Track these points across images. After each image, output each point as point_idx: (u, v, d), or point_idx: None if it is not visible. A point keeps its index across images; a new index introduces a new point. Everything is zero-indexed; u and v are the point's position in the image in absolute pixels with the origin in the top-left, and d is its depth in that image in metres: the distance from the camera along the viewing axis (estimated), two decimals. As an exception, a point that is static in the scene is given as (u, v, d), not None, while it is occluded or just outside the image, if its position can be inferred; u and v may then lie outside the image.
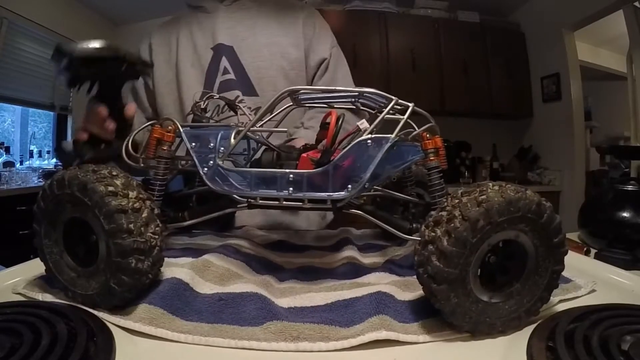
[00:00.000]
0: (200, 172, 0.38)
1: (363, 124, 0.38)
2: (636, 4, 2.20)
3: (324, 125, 0.40)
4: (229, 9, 0.77)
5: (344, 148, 0.37)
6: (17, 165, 2.35)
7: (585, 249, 0.70)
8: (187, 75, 0.74)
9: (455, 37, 2.72)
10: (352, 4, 2.64)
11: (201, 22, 0.77)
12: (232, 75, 0.74)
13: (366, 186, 0.37)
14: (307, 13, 0.79)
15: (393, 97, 0.40)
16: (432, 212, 0.33)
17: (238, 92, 0.73)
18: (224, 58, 0.74)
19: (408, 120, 0.40)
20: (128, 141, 0.42)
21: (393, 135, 0.37)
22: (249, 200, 0.39)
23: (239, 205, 0.41)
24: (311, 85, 0.76)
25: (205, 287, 0.38)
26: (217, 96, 0.55)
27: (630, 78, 2.39)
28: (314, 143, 0.45)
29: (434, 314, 0.32)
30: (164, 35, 0.79)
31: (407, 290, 0.37)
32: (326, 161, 0.37)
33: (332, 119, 0.39)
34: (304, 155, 0.39)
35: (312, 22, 0.79)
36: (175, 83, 0.75)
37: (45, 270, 0.36)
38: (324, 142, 0.40)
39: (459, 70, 2.67)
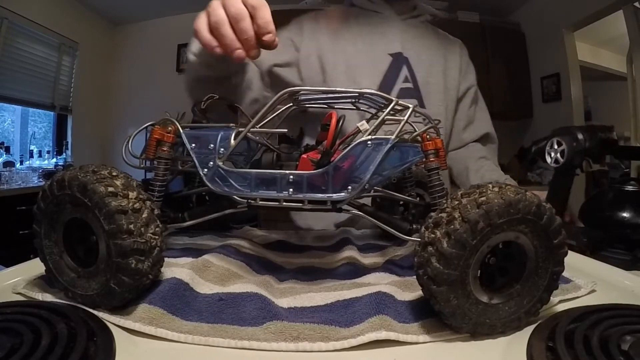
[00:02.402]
0: (200, 173, 0.38)
1: (363, 125, 0.38)
2: (636, 4, 2.20)
3: (324, 127, 0.40)
4: (404, 23, 0.81)
5: (344, 149, 0.37)
6: (17, 165, 2.35)
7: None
8: (359, 74, 0.75)
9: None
10: (352, 4, 2.64)
11: (375, 26, 0.79)
12: (411, 85, 0.77)
13: (366, 187, 0.37)
14: (460, 44, 0.89)
15: (393, 98, 0.40)
16: (432, 214, 0.33)
17: (416, 102, 0.76)
18: (404, 67, 0.77)
19: (408, 122, 0.40)
20: (128, 141, 0.42)
21: (393, 136, 0.37)
22: (249, 201, 0.40)
23: (238, 206, 0.41)
24: (458, 109, 0.84)
25: (205, 287, 0.38)
26: (217, 97, 0.55)
27: (630, 78, 2.39)
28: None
29: (433, 314, 0.32)
30: (324, 26, 0.79)
31: (407, 290, 0.38)
32: (326, 162, 0.37)
33: (332, 121, 0.39)
34: (304, 156, 0.39)
35: (465, 53, 0.89)
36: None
37: (45, 270, 0.36)
38: (324, 143, 0.40)
39: (459, 71, 2.67)
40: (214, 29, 0.44)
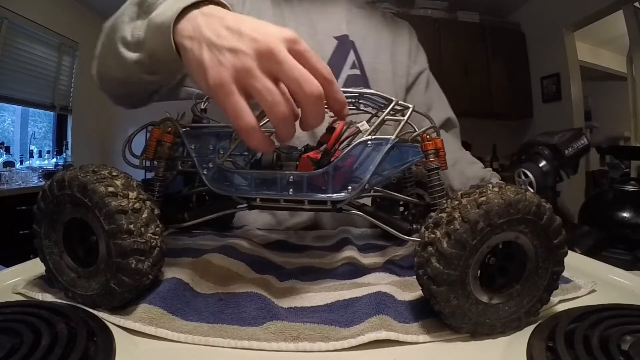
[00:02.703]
0: (200, 173, 0.38)
1: (363, 125, 0.38)
2: (636, 4, 2.20)
3: (330, 129, 0.40)
4: (350, 2, 0.74)
5: (344, 149, 0.37)
6: (17, 165, 2.35)
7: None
8: None
9: (455, 37, 2.72)
10: (352, 4, 2.65)
11: (319, 5, 0.72)
12: (358, 71, 0.70)
13: (366, 187, 0.37)
14: (409, 27, 0.83)
15: (393, 98, 0.40)
16: (432, 214, 0.33)
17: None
18: (351, 52, 0.70)
19: (408, 122, 0.40)
20: (128, 141, 0.42)
21: (393, 137, 0.37)
22: (249, 201, 0.40)
23: (238, 206, 0.41)
24: (408, 94, 0.79)
25: (205, 287, 0.38)
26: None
27: (630, 78, 2.40)
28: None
29: (434, 314, 0.32)
30: (268, 5, 0.70)
31: (407, 290, 0.38)
32: (326, 162, 0.37)
33: (339, 125, 0.39)
34: (304, 156, 0.39)
35: (414, 36, 0.83)
36: None
37: (45, 270, 0.36)
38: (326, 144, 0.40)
39: (459, 71, 2.68)
40: (269, 113, 0.30)
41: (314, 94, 0.30)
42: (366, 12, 0.77)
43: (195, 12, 0.34)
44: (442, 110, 0.82)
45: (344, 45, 0.71)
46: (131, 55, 0.41)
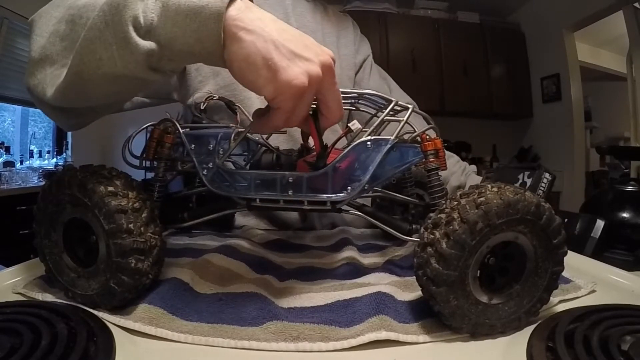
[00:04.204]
0: (200, 173, 0.38)
1: (354, 124, 0.38)
2: (636, 4, 2.20)
3: None
4: None
5: (342, 150, 0.37)
6: (17, 165, 2.35)
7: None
8: None
9: (455, 37, 2.72)
10: (352, 5, 2.65)
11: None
12: None
13: (366, 188, 0.37)
14: (352, 21, 0.84)
15: (393, 99, 0.40)
16: (431, 214, 0.33)
17: None
18: None
19: (408, 122, 0.40)
20: (128, 142, 0.42)
21: (393, 137, 0.37)
22: (249, 201, 0.40)
23: (238, 206, 0.41)
24: (354, 80, 0.79)
25: (205, 287, 0.38)
26: (217, 97, 0.55)
27: (630, 78, 2.40)
28: None
29: (433, 314, 0.32)
30: None
31: (407, 290, 0.38)
32: (321, 165, 0.37)
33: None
34: (300, 161, 0.39)
35: (358, 29, 0.84)
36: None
37: (45, 270, 0.36)
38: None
39: (459, 71, 2.68)
40: (326, 119, 0.35)
41: (338, 118, 0.36)
42: (310, 6, 0.76)
43: (240, 2, 0.31)
44: (399, 96, 0.83)
45: None
46: (143, 43, 0.31)
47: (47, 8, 0.39)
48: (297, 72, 0.31)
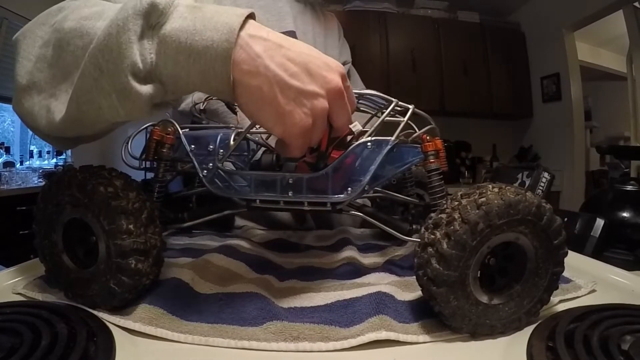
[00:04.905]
0: (200, 174, 0.38)
1: (355, 125, 0.38)
2: (636, 4, 2.20)
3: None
4: None
5: (338, 151, 0.37)
6: (17, 165, 2.35)
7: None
8: None
9: (455, 37, 2.72)
10: (352, 4, 2.65)
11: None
12: None
13: (366, 188, 0.37)
14: (337, 21, 0.84)
15: (393, 99, 0.40)
16: (432, 214, 0.33)
17: None
18: None
19: (408, 122, 0.40)
20: (128, 142, 0.42)
21: (393, 138, 0.37)
22: (249, 202, 0.40)
23: (239, 207, 0.41)
24: None
25: (205, 287, 0.38)
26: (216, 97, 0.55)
27: (630, 78, 2.40)
28: None
29: (433, 314, 0.32)
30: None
31: (407, 290, 0.38)
32: (322, 166, 0.37)
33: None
34: (300, 162, 0.39)
35: (341, 30, 0.85)
36: None
37: (45, 270, 0.36)
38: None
39: (459, 71, 2.68)
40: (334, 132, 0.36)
41: (344, 132, 0.36)
42: (301, 6, 0.77)
43: (244, 36, 0.30)
44: None
45: None
46: (146, 89, 0.30)
47: (31, 27, 0.37)
48: (301, 115, 0.31)
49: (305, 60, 0.32)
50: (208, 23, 0.29)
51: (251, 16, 0.32)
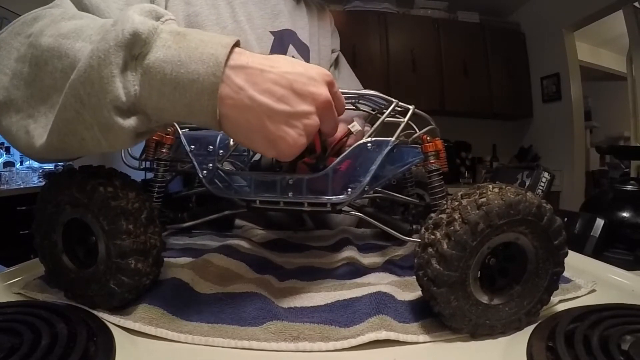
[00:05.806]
0: (200, 174, 0.38)
1: (354, 126, 0.38)
2: (636, 4, 2.20)
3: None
4: None
5: (338, 152, 0.37)
6: (17, 165, 2.35)
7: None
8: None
9: (455, 37, 2.72)
10: (352, 4, 2.65)
11: None
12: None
13: (366, 189, 0.37)
14: (329, 12, 0.84)
15: (394, 100, 0.40)
16: (432, 215, 0.33)
17: None
18: (291, 47, 0.68)
19: (409, 122, 0.40)
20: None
21: (393, 138, 0.37)
22: (249, 202, 0.40)
23: (239, 208, 0.41)
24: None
25: (205, 287, 0.38)
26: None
27: (630, 78, 2.39)
28: None
29: (433, 314, 0.32)
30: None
31: (407, 290, 0.38)
32: (321, 166, 0.37)
33: (339, 131, 0.39)
34: (300, 163, 0.39)
35: (333, 20, 0.84)
36: None
37: (45, 270, 0.36)
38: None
39: (459, 71, 2.68)
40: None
41: (331, 136, 0.38)
42: (295, 1, 0.75)
43: (225, 70, 0.29)
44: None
45: (282, 39, 0.68)
46: (129, 123, 0.30)
47: (5, 37, 0.35)
48: (294, 137, 0.31)
49: (290, 80, 0.31)
50: (193, 54, 0.28)
51: (236, 44, 0.31)
